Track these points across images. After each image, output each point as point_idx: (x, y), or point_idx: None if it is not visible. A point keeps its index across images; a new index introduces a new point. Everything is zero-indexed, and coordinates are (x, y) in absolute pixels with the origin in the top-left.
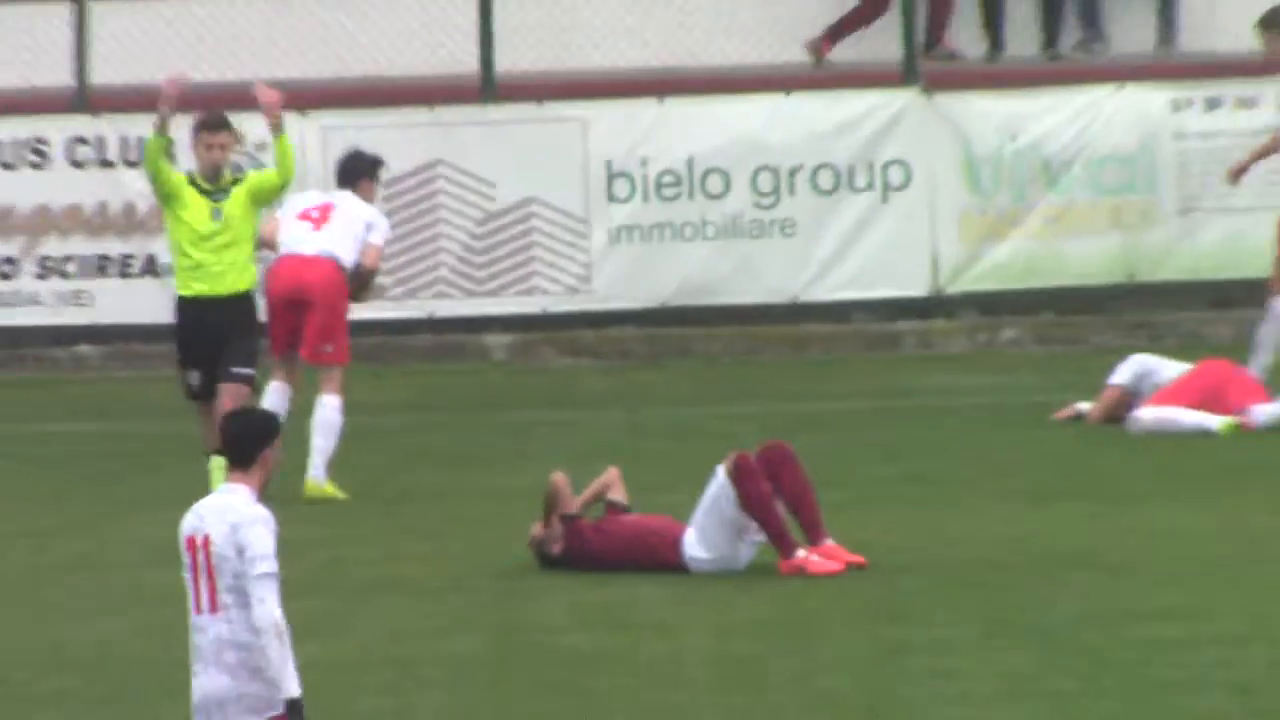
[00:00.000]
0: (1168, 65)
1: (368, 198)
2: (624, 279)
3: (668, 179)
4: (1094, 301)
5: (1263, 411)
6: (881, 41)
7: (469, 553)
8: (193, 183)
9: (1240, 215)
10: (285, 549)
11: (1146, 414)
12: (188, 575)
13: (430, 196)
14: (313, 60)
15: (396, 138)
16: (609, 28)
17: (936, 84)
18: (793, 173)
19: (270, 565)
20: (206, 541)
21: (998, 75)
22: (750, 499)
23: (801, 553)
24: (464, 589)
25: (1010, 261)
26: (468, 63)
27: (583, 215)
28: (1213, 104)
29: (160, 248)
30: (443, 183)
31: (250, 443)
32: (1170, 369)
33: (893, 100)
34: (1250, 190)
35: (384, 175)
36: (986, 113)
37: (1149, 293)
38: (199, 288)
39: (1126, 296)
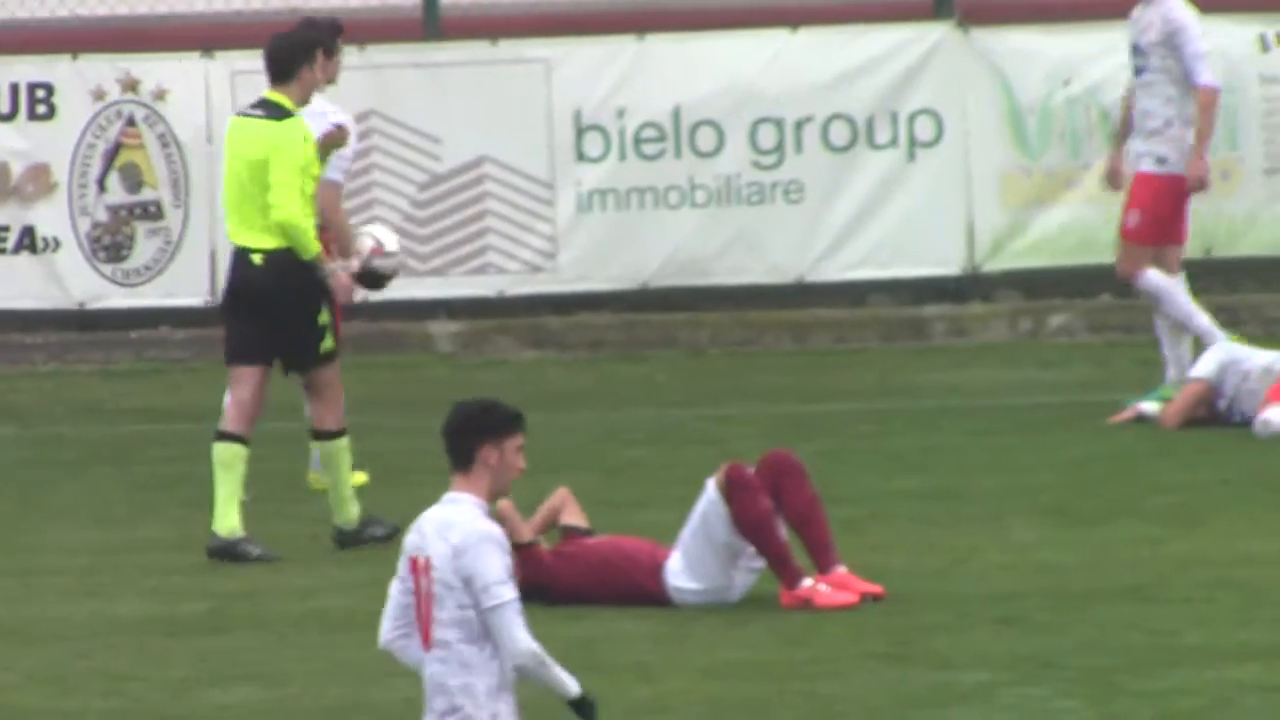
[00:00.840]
0: None
1: (330, 74)
2: (596, 255)
3: (649, 134)
4: None
5: None
6: None
7: None
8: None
9: None
10: (198, 578)
11: (1276, 415)
12: (411, 601)
13: (362, 156)
14: None
15: None
16: None
17: (974, 17)
18: (799, 126)
19: (507, 592)
20: (428, 565)
21: (1049, 6)
22: (746, 518)
23: (807, 582)
24: None
25: (1061, 233)
26: None
27: (546, 178)
28: None
29: (39, 218)
30: (377, 139)
31: (465, 439)
32: (1260, 357)
33: (921, 37)
34: None
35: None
36: (1035, 52)
37: (1228, 270)
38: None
39: (1201, 274)
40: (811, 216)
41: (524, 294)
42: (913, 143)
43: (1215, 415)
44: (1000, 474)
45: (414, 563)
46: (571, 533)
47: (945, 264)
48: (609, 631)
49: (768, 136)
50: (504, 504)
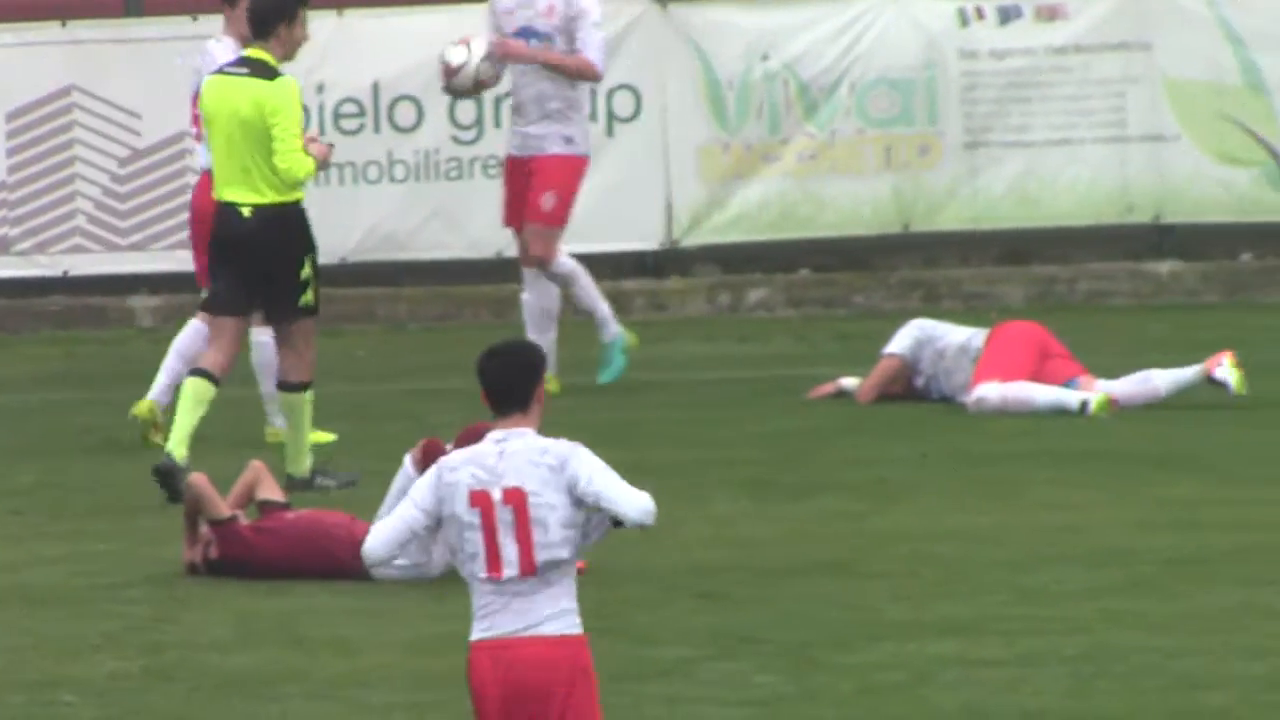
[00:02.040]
0: None
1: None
2: None
3: (348, 109)
4: (860, 256)
5: (1126, 387)
6: None
7: (119, 554)
8: None
9: (1038, 151)
10: None
11: (991, 391)
12: (478, 536)
13: (64, 131)
14: None
15: (22, 60)
16: None
17: None
18: (499, 101)
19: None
20: (519, 495)
21: None
22: None
23: None
24: (112, 599)
25: (760, 208)
26: None
27: None
28: (1008, 15)
29: None
30: (78, 114)
31: (531, 378)
32: (956, 334)
33: (619, 12)
34: (1049, 122)
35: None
36: (733, 27)
37: (926, 245)
38: None
39: (899, 250)
40: None
41: None
42: (611, 118)
43: (913, 391)
44: (700, 448)
45: (482, 497)
46: (269, 507)
47: (644, 239)
48: (309, 605)
49: (466, 112)
50: (199, 477)
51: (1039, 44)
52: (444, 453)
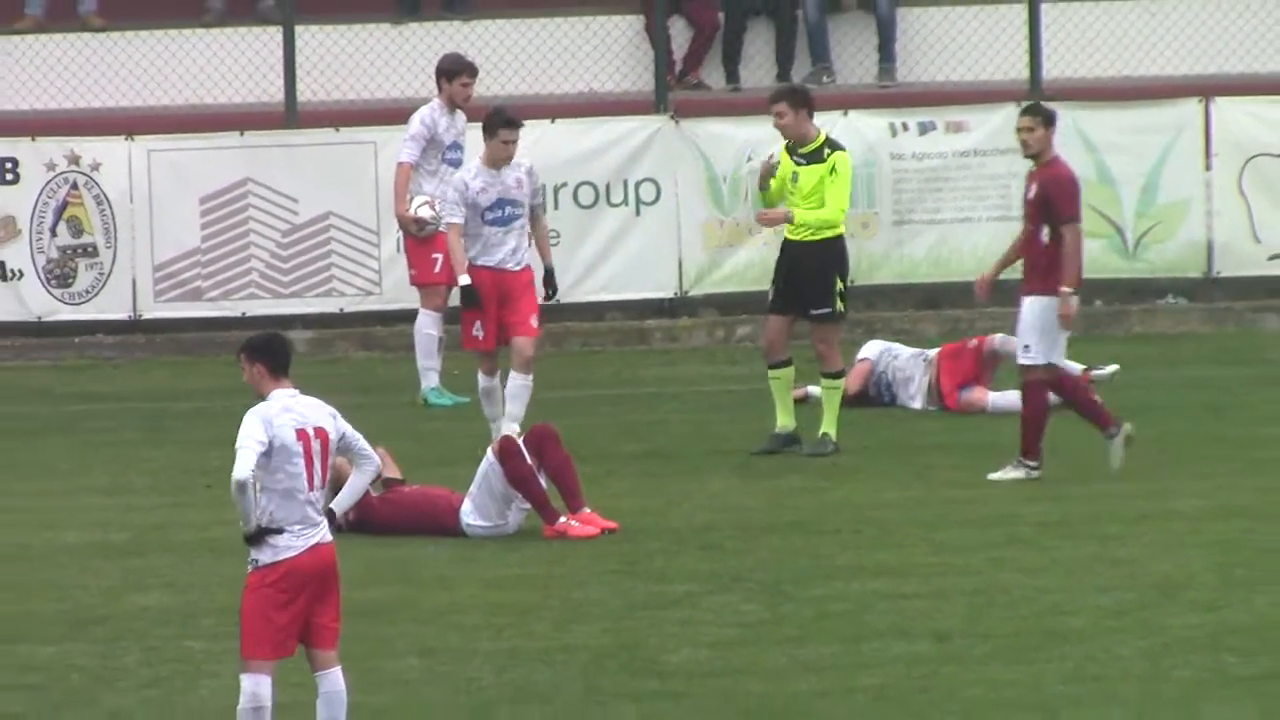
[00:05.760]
0: (886, 94)
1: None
2: (409, 283)
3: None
4: None
5: (998, 400)
6: (637, 72)
7: None
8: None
9: (946, 226)
10: (123, 515)
11: (977, 395)
12: (301, 462)
13: (242, 211)
14: (139, 90)
15: (211, 160)
16: (398, 61)
17: (683, 112)
18: (557, 189)
19: None
20: (322, 432)
21: (737, 103)
22: (514, 476)
23: (563, 519)
24: None
25: (746, 267)
26: (274, 93)
27: (374, 227)
28: (926, 128)
29: (8, 256)
30: (252, 199)
31: (290, 354)
32: (905, 350)
33: (645, 126)
34: (955, 205)
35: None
36: (726, 136)
37: (867, 294)
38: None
39: (848, 297)
40: (566, 255)
41: (359, 310)
42: (639, 202)
43: (867, 392)
44: (702, 441)
45: (302, 433)
46: (391, 483)
47: (662, 289)
48: (419, 555)
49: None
50: (340, 461)
51: (948, 149)
52: (514, 447)
